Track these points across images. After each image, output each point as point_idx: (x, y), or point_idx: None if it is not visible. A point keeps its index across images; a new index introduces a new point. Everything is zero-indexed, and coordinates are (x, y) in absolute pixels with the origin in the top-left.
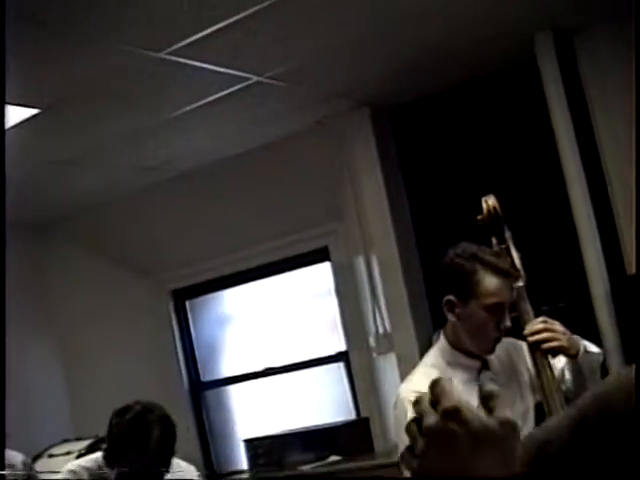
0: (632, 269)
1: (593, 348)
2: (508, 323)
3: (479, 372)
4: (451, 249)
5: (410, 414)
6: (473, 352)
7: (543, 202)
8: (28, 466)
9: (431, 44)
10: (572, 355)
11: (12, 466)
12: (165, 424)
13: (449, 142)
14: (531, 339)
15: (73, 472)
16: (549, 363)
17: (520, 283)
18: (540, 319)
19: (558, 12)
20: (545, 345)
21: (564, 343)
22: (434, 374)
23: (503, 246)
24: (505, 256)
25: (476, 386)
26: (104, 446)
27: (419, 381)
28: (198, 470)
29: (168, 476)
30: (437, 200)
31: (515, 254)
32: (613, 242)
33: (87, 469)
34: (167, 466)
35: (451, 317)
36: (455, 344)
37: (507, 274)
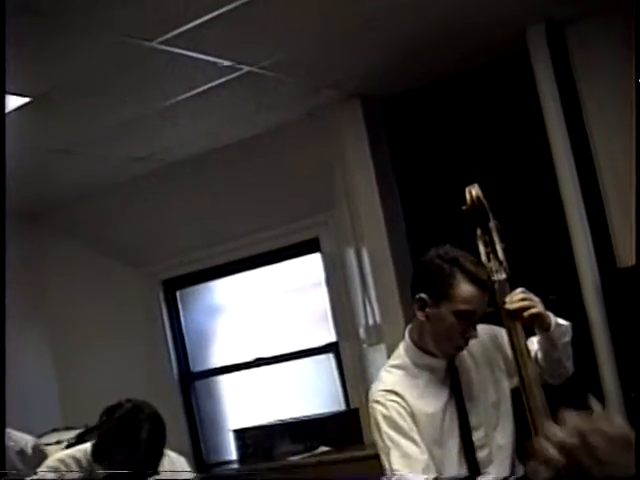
0: (623, 262)
1: (562, 321)
2: (474, 333)
3: (445, 372)
4: (434, 249)
5: (380, 418)
6: (437, 355)
7: (534, 194)
8: (38, 449)
9: (422, 35)
10: (546, 327)
11: (21, 451)
12: (155, 424)
13: (440, 133)
14: (511, 307)
15: (62, 461)
16: (525, 335)
17: (502, 276)
18: (519, 290)
19: (550, 3)
20: (525, 312)
21: (542, 311)
22: (401, 374)
23: (487, 236)
24: (485, 268)
25: (443, 386)
26: (93, 441)
27: (387, 381)
28: (187, 460)
29: (160, 471)
30: (428, 191)
31: (499, 245)
32: (603, 234)
33: (76, 460)
34: (155, 466)
35: (420, 315)
36: (419, 344)
37: (484, 286)
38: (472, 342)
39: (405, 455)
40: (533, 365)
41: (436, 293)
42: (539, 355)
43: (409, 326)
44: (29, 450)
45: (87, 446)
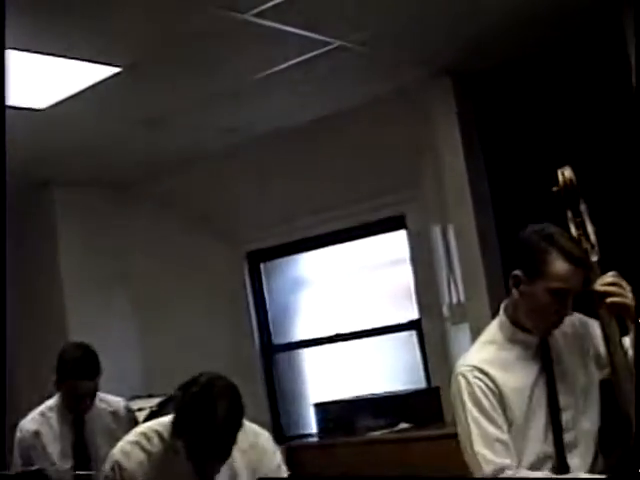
0: None
1: None
2: (569, 311)
3: (537, 349)
4: (532, 226)
5: (464, 392)
6: (532, 330)
7: (624, 176)
8: (129, 410)
9: (513, 11)
10: (632, 318)
11: (115, 412)
12: (230, 397)
13: (529, 111)
14: (601, 288)
15: (144, 435)
16: (615, 320)
17: (594, 258)
18: (611, 273)
19: None
20: (609, 299)
21: (628, 301)
22: (491, 350)
23: (578, 219)
24: (581, 244)
25: (534, 362)
26: (172, 416)
27: (474, 357)
28: (267, 431)
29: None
30: (515, 170)
31: (590, 228)
32: None
33: (158, 434)
34: (233, 439)
35: (515, 292)
36: (514, 320)
37: (580, 262)
38: (565, 326)
39: (485, 435)
40: (622, 348)
41: (531, 270)
42: (629, 352)
43: (505, 302)
44: (122, 411)
45: (169, 419)
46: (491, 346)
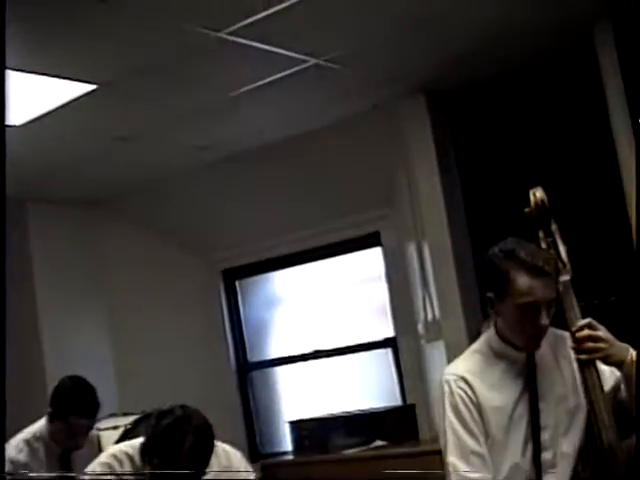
0: None
1: None
2: (545, 321)
3: (523, 365)
4: (496, 245)
5: (446, 401)
6: (518, 346)
7: (597, 195)
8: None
9: (488, 30)
10: (616, 364)
11: None
12: (200, 436)
13: (504, 129)
14: (577, 355)
15: (115, 457)
16: (596, 369)
17: (566, 277)
18: (585, 322)
19: (618, 1)
20: (584, 356)
21: (604, 354)
22: (478, 361)
23: (550, 239)
24: (544, 252)
25: (518, 379)
26: (142, 441)
27: (461, 366)
28: (242, 451)
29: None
30: (490, 188)
31: (562, 247)
32: None
33: (129, 456)
34: (201, 473)
35: (492, 314)
36: (502, 335)
37: (541, 272)
38: (560, 346)
39: (461, 446)
40: (603, 398)
41: (498, 290)
42: (619, 381)
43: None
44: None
45: (140, 441)
46: (478, 357)
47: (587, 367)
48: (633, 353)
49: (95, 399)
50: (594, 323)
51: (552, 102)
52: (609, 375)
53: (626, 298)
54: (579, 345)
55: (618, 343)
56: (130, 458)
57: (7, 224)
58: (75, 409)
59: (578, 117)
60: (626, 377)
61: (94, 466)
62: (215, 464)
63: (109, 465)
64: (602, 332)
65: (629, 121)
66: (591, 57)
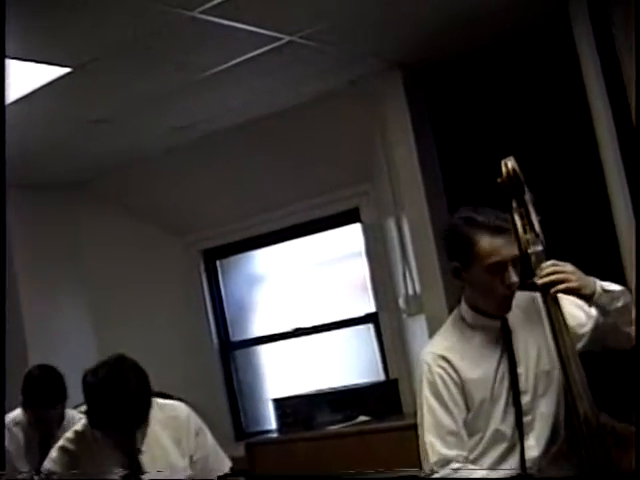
0: None
1: (613, 287)
2: (514, 279)
3: (499, 332)
4: (451, 217)
5: (424, 380)
6: (490, 312)
7: (575, 164)
8: None
9: (462, 3)
10: (586, 295)
11: None
12: (137, 374)
13: (481, 103)
14: (540, 281)
15: (67, 438)
16: (561, 310)
17: (538, 247)
18: (550, 262)
19: None
20: (554, 288)
21: (574, 284)
22: (455, 336)
23: (522, 209)
24: (497, 212)
25: (496, 347)
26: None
27: (440, 344)
28: (227, 429)
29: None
30: (468, 161)
31: (535, 217)
32: None
33: (77, 432)
34: (145, 415)
35: (459, 283)
36: (473, 306)
37: (501, 230)
38: (529, 307)
39: (438, 425)
40: (570, 340)
41: (464, 257)
42: (598, 321)
43: (463, 291)
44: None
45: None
46: (454, 332)
47: (553, 308)
48: (602, 284)
49: (57, 388)
50: (559, 262)
51: (527, 74)
52: (586, 320)
53: (605, 268)
54: (545, 279)
55: (585, 276)
56: (79, 433)
57: None
58: (41, 402)
59: (554, 88)
60: (601, 307)
61: (51, 451)
62: (162, 415)
63: (62, 447)
64: (569, 266)
65: (604, 90)
66: (565, 28)
